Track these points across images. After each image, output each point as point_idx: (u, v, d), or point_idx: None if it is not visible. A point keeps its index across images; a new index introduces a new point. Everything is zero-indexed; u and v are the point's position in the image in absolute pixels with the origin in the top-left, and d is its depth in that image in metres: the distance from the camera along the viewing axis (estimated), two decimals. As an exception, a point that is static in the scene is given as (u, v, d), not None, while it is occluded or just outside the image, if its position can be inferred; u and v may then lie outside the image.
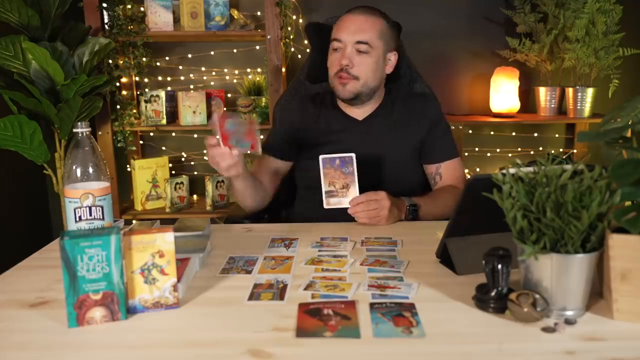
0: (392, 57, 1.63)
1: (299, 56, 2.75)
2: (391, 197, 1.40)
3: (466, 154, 2.83)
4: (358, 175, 1.40)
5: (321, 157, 1.41)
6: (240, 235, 1.35)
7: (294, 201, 1.73)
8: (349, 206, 1.39)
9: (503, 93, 2.67)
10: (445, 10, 2.78)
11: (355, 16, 1.56)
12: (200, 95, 2.60)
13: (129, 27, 2.49)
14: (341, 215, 1.41)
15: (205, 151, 2.84)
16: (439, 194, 1.58)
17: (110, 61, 2.51)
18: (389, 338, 0.80)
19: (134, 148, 2.73)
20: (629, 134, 0.88)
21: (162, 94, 2.60)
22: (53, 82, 2.20)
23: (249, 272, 1.08)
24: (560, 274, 0.83)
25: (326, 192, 1.41)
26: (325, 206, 1.40)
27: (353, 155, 1.40)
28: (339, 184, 1.40)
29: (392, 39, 1.61)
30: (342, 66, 1.54)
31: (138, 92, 2.73)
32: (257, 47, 2.78)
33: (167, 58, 2.80)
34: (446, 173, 1.62)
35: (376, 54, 1.56)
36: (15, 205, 2.61)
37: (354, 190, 1.40)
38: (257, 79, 2.73)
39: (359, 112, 1.65)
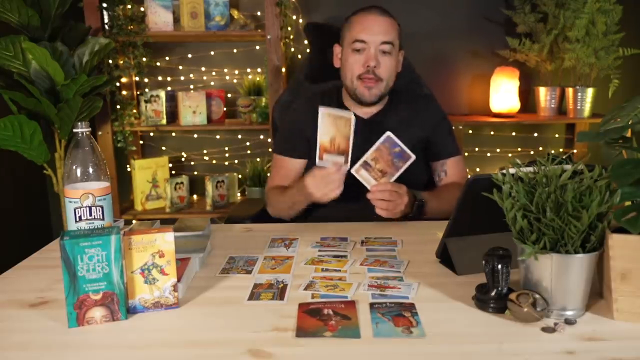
0: (401, 57, 1.64)
1: (299, 56, 2.75)
2: (408, 192, 1.40)
3: (466, 154, 2.83)
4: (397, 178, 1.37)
5: (388, 133, 1.37)
6: (240, 235, 1.35)
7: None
8: (369, 188, 1.36)
9: (503, 93, 2.67)
10: (445, 10, 2.78)
11: (377, 16, 1.54)
12: (200, 95, 2.60)
13: (129, 27, 2.49)
14: (342, 217, 1.40)
15: (205, 151, 2.88)
16: (444, 190, 1.58)
17: (110, 61, 2.51)
18: (389, 338, 0.80)
19: (134, 148, 2.73)
20: (629, 134, 0.88)
21: (162, 94, 2.60)
22: (53, 82, 2.20)
23: (249, 272, 1.08)
24: (560, 274, 0.83)
25: (364, 162, 1.36)
26: (352, 171, 1.36)
27: (413, 157, 1.37)
28: (380, 165, 1.36)
29: (401, 38, 1.62)
30: (370, 67, 1.51)
31: (138, 92, 2.73)
32: (257, 47, 2.77)
33: (167, 58, 2.80)
34: (451, 169, 1.63)
35: (396, 54, 1.57)
36: (15, 205, 2.61)
37: (386, 181, 1.37)
38: (257, 79, 2.73)
39: (365, 111, 1.63)
